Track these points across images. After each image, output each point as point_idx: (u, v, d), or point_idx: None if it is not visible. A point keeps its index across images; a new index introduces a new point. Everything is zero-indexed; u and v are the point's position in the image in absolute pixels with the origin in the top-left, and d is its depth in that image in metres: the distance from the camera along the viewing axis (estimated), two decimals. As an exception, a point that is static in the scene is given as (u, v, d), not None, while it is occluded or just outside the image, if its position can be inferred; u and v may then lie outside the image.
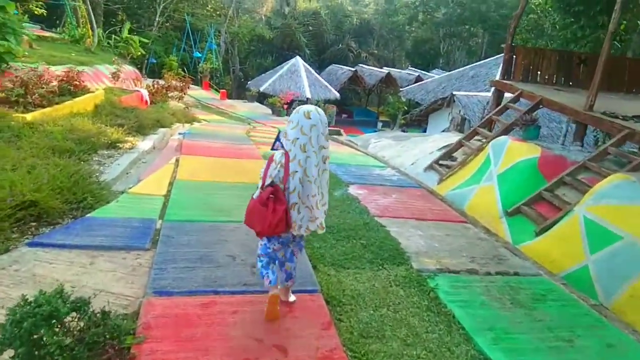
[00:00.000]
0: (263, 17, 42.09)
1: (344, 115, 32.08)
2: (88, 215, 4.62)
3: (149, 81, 16.02)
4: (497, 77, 24.92)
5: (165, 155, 7.65)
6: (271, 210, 2.88)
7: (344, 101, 31.69)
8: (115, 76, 12.05)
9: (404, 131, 24.74)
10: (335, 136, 14.95)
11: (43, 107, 8.29)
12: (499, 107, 8.60)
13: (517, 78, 9.31)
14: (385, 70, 33.29)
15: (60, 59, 12.30)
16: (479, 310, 3.81)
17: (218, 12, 34.17)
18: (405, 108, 15.31)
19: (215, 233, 4.52)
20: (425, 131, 25.61)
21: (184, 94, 15.78)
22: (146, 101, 13.20)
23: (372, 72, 32.66)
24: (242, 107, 23.44)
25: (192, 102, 23.01)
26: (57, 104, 8.65)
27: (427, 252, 4.79)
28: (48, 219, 4.46)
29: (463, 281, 4.26)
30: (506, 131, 8.00)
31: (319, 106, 18.09)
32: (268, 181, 2.97)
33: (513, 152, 7.02)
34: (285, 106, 21.96)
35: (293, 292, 3.55)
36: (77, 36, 17.69)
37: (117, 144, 7.50)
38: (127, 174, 6.49)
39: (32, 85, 8.22)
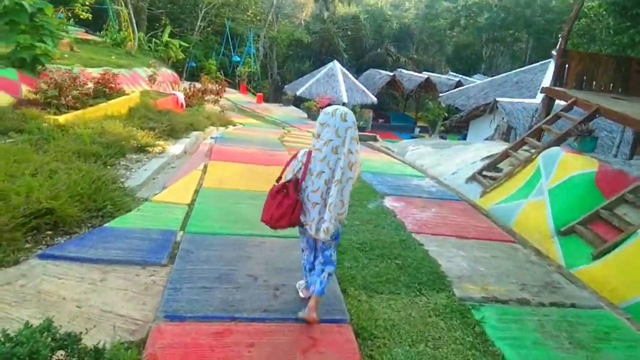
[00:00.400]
0: (302, 21, 42.05)
1: (380, 120, 31.49)
2: (106, 224, 4.36)
3: (187, 84, 16.00)
4: (547, 84, 24.09)
5: (194, 160, 7.41)
6: (277, 203, 2.99)
7: (381, 106, 31.13)
8: (151, 79, 12.03)
9: (443, 138, 24.01)
10: (370, 142, 14.50)
11: (76, 109, 8.23)
12: (550, 116, 7.94)
13: (569, 85, 8.62)
14: (425, 74, 32.51)
15: (98, 62, 12.38)
16: (533, 350, 3.29)
17: (258, 17, 34.30)
18: (445, 114, 14.67)
19: (237, 248, 4.17)
20: (465, 138, 24.77)
21: (220, 97, 15.68)
22: (182, 104, 13.13)
23: (410, 77, 31.95)
24: (277, 110, 23.29)
25: (228, 105, 23.02)
26: (91, 106, 8.59)
27: (471, 276, 4.28)
28: (65, 227, 4.22)
29: (513, 313, 3.74)
30: (558, 142, 7.35)
31: (354, 110, 17.80)
32: (289, 176, 3.07)
33: (567, 165, 6.38)
34: (319, 110, 21.62)
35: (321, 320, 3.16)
36: (118, 40, 17.92)
37: (147, 148, 7.31)
38: (154, 179, 6.26)
39: (66, 87, 8.16)
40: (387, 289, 3.89)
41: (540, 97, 23.09)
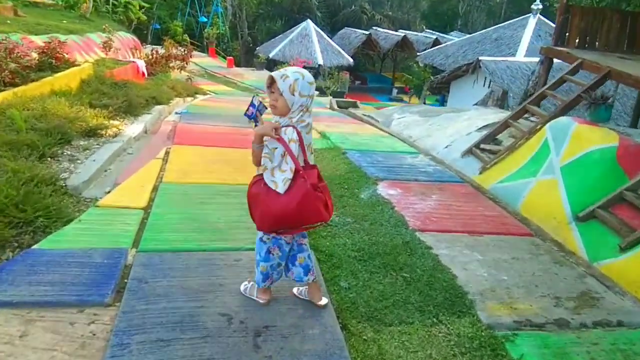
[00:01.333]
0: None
1: (357, 82, 30.36)
2: (35, 246, 3.38)
3: (150, 49, 14.55)
4: (527, 40, 23.18)
5: (155, 144, 6.35)
6: (324, 203, 2.51)
7: (357, 67, 29.94)
8: (106, 46, 10.66)
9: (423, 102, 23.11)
10: (351, 109, 13.52)
11: (16, 85, 7.00)
12: (555, 81, 7.09)
13: (572, 44, 7.75)
14: (401, 33, 31.23)
15: (46, 28, 10.91)
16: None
17: (225, -27, 32.13)
18: (432, 78, 13.72)
19: (206, 271, 3.26)
20: (443, 100, 23.93)
21: (187, 63, 14.34)
22: (143, 73, 11.84)
23: (387, 36, 30.67)
24: (250, 75, 21.95)
25: (197, 70, 21.54)
26: (33, 81, 7.35)
27: (495, 290, 3.50)
28: (-23, 254, 3.24)
29: (555, 344, 2.97)
30: (564, 110, 6.54)
31: (331, 73, 16.66)
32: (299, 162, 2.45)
33: (581, 138, 5.59)
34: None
35: None
36: (71, 1, 16.16)
37: (98, 131, 6.21)
38: (105, 172, 5.23)
39: (1, 60, 6.87)
40: (396, 317, 3.07)
41: (520, 54, 22.48)
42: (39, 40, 9.19)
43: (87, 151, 5.54)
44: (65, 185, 4.55)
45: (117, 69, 10.45)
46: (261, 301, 2.90)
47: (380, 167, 6.08)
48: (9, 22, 10.37)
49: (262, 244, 2.72)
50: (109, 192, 4.66)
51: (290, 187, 2.41)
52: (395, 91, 30.87)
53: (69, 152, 5.37)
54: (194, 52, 25.62)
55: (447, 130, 8.38)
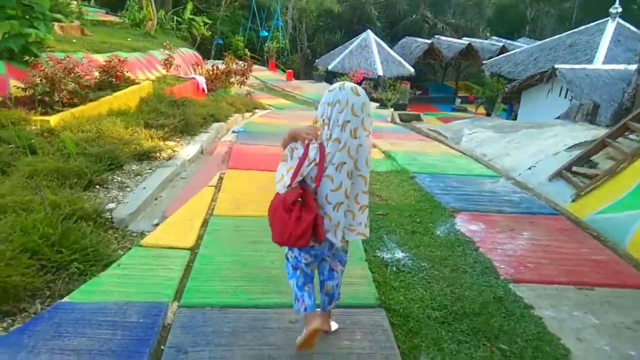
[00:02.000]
0: (331, -10, 39.61)
1: (418, 92, 29.28)
2: (66, 298, 2.94)
3: (216, 64, 14.48)
4: (605, 46, 21.33)
5: (209, 167, 5.93)
6: (295, 219, 2.21)
7: (419, 77, 28.82)
8: (167, 63, 10.58)
9: (488, 113, 21.74)
10: (414, 123, 12.71)
11: (74, 105, 6.88)
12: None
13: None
14: (465, 40, 29.92)
15: (110, 46, 10.99)
16: None
17: (286, -12, 32.27)
18: (507, 89, 12.63)
19: (256, 337, 2.68)
20: (511, 111, 22.48)
21: (247, 78, 14.13)
22: (203, 89, 11.70)
23: (450, 44, 29.49)
24: (309, 88, 21.63)
25: (257, 84, 21.53)
26: (92, 101, 7.22)
27: (626, 376, 2.67)
28: (4, 306, 2.84)
29: None
30: (680, 127, 5.48)
31: (390, 84, 15.78)
32: (298, 178, 2.25)
33: None
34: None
35: None
36: (137, 20, 16.52)
37: (152, 154, 5.89)
38: (156, 200, 4.83)
39: (59, 80, 6.76)
40: (498, 412, 2.33)
41: (599, 61, 20.63)
42: (102, 59, 9.17)
43: (139, 177, 5.19)
44: (111, 218, 4.16)
45: (177, 86, 10.33)
46: (303, 332, 2.42)
47: (456, 195, 5.30)
48: (74, 41, 10.53)
49: (286, 261, 2.60)
50: (157, 224, 4.23)
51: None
52: (458, 101, 29.52)
53: (119, 179, 5.03)
54: (255, 66, 25.77)
55: (529, 148, 7.42)
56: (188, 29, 19.10)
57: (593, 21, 25.65)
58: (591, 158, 6.22)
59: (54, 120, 6.17)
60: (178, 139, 7.11)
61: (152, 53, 11.81)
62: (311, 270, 2.53)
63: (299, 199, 2.24)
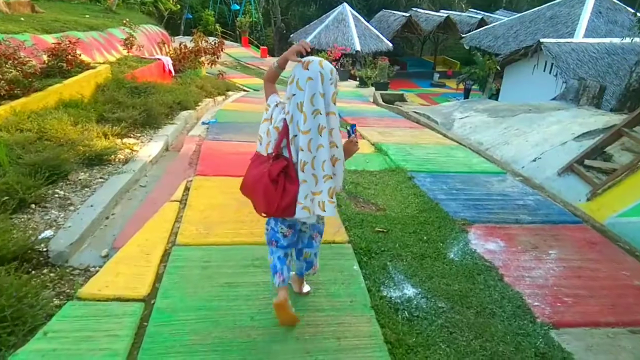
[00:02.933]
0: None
1: (396, 68, 28.38)
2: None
3: (182, 42, 13.24)
4: (586, 18, 20.70)
5: (174, 171, 5.02)
6: (281, 190, 2.25)
7: (396, 51, 27.86)
8: (128, 43, 9.41)
9: (467, 87, 20.96)
10: (398, 104, 11.89)
11: (15, 97, 5.82)
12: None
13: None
14: (444, 13, 28.98)
15: (63, 25, 9.74)
16: None
17: (257, -42, 30.51)
18: (498, 68, 11.87)
19: None
20: (482, 89, 21.87)
21: (218, 57, 12.99)
22: (170, 71, 10.58)
23: (428, 17, 28.51)
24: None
25: (230, 62, 20.30)
26: (36, 91, 6.15)
27: None
28: None
29: None
30: None
31: (370, 61, 14.93)
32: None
33: None
34: (334, 63, 18.78)
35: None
36: (96, -7, 15.07)
37: (105, 157, 4.93)
38: (107, 219, 3.94)
39: (-6, 69, 5.67)
40: None
41: (580, 33, 20.05)
42: (52, 40, 8.00)
43: (86, 190, 4.25)
44: (46, 251, 3.27)
45: (139, 69, 9.22)
46: (275, 299, 2.47)
47: (463, 201, 4.54)
48: (22, 19, 9.27)
49: (266, 233, 2.62)
50: (106, 256, 3.37)
51: (254, 160, 2.41)
52: (437, 76, 28.77)
53: (61, 193, 4.09)
54: (227, 42, 24.36)
55: (531, 136, 6.71)
56: (154, 3, 17.62)
57: (570, -8, 25.06)
58: (604, 149, 5.54)
59: (-13, 116, 5.14)
60: (139, 134, 6.15)
61: (111, 32, 10.58)
62: (288, 242, 2.54)
63: (282, 171, 2.26)
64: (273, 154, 2.28)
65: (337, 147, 2.27)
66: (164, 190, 4.37)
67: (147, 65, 9.66)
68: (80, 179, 4.41)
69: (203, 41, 12.60)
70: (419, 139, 6.97)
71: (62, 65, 7.20)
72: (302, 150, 2.20)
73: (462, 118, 8.52)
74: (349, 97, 13.39)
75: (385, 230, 3.84)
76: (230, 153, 5.39)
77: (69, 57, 7.34)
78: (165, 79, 10.18)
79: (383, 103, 11.89)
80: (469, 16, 29.47)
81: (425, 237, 3.77)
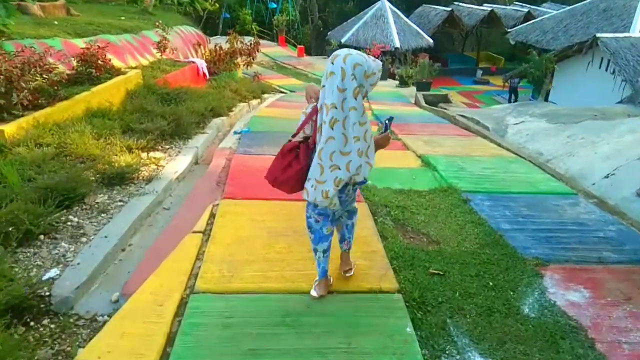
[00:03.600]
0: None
1: (436, 64, 27.28)
2: None
3: (220, 42, 12.87)
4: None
5: (201, 190, 4.53)
6: (285, 165, 2.48)
7: (436, 47, 26.69)
8: (161, 46, 9.06)
9: (513, 86, 19.74)
10: (443, 105, 11.10)
11: (40, 107, 5.49)
12: None
13: None
14: (487, 7, 27.64)
15: (97, 27, 9.51)
16: None
17: (295, -45, 30.01)
18: (556, 67, 10.85)
19: None
20: (538, 90, 20.56)
21: (254, 58, 12.54)
22: (204, 74, 10.22)
23: (471, 11, 27.28)
24: (321, 64, 19.87)
25: (266, 61, 19.91)
26: (62, 100, 5.81)
27: None
28: None
29: None
30: None
31: (404, 57, 14.18)
32: (298, 137, 2.52)
33: None
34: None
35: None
36: (134, -5, 14.93)
37: (128, 174, 4.49)
38: (123, 251, 3.48)
39: (17, 77, 5.33)
40: None
41: (637, 28, 18.46)
42: (83, 44, 7.71)
43: (103, 215, 3.81)
44: (49, 297, 2.82)
45: (172, 73, 8.86)
46: (314, 293, 2.77)
47: (532, 232, 3.84)
48: (56, 22, 9.06)
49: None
50: (116, 301, 2.90)
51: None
52: (480, 72, 27.47)
53: (75, 221, 3.66)
54: (263, 42, 24.00)
55: (600, 147, 5.87)
56: (191, 3, 17.39)
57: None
58: (698, 167, 4.68)
59: (9, 129, 4.81)
60: (167, 146, 5.71)
61: (145, 34, 10.29)
62: (326, 231, 2.65)
63: (297, 150, 2.45)
64: (295, 134, 2.49)
65: (359, 139, 2.29)
66: (187, 216, 3.88)
67: (181, 69, 9.30)
68: (97, 203, 3.98)
69: (238, 42, 12.17)
70: (470, 149, 6.24)
71: (91, 72, 6.88)
72: (335, 138, 2.28)
73: (516, 124, 7.70)
74: (389, 98, 12.69)
75: (441, 273, 3.20)
76: (261, 170, 4.82)
77: (99, 62, 7.00)
78: (199, 83, 9.81)
79: (426, 105, 11.13)
80: (514, 9, 28.00)
81: (491, 283, 3.11)
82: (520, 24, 25.27)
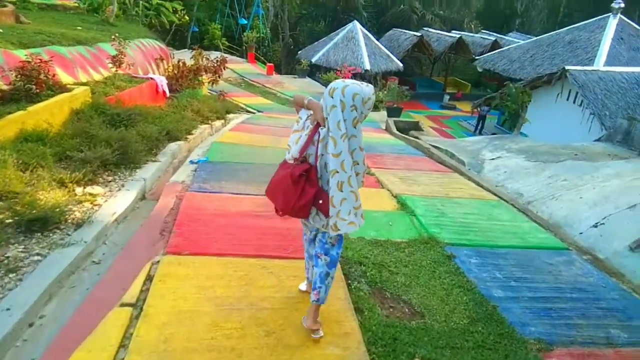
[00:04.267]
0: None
1: (404, 88, 27.31)
2: None
3: (186, 56, 12.07)
4: (607, 43, 19.49)
5: (143, 238, 3.79)
6: (300, 191, 2.39)
7: (405, 71, 26.71)
8: (117, 61, 8.25)
9: (483, 115, 19.79)
10: (414, 134, 10.70)
11: (-40, 130, 4.66)
12: None
13: None
14: (456, 34, 27.95)
15: (46, 37, 8.60)
16: None
17: (268, -28, 29.63)
18: (530, 99, 10.65)
19: None
20: (513, 123, 20.69)
21: (219, 76, 11.85)
22: (164, 92, 9.44)
23: (440, 37, 27.49)
24: (291, 84, 19.35)
25: (234, 78, 19.20)
26: (-10, 121, 4.98)
27: None
28: None
29: None
30: None
31: (374, 80, 14.01)
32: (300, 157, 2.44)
33: None
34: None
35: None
36: (95, 4, 14.01)
37: (52, 218, 3.71)
38: (29, 330, 2.71)
39: None
40: None
41: (601, 60, 18.85)
42: (27, 56, 6.86)
43: (11, 276, 3.02)
44: None
45: (127, 91, 8.07)
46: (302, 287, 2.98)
47: (528, 302, 3.30)
48: (1, 30, 8.14)
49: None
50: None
51: (281, 166, 2.54)
52: (447, 97, 27.62)
53: (-27, 285, 2.87)
54: (232, 58, 23.31)
55: (586, 192, 5.48)
56: (157, 16, 16.56)
57: (584, 17, 23.99)
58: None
59: None
60: (109, 178, 4.94)
61: (101, 47, 9.43)
62: (308, 247, 2.78)
63: (304, 173, 2.38)
64: (298, 158, 2.42)
65: (358, 164, 2.39)
66: (119, 278, 3.14)
67: (137, 85, 8.51)
68: (7, 257, 3.19)
69: (204, 58, 11.47)
70: (449, 188, 5.74)
71: (31, 88, 6.04)
72: (338, 172, 2.29)
73: (493, 159, 7.31)
74: (359, 123, 12.20)
75: (428, 361, 2.60)
76: (217, 214, 4.15)
77: (41, 77, 6.18)
78: (157, 101, 9.04)
79: (398, 133, 10.69)
80: (481, 37, 28.42)
81: (488, 378, 2.53)
82: (487, 51, 25.59)
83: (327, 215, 2.36)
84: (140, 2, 16.19)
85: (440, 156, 7.60)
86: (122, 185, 4.83)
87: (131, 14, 15.95)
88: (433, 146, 8.76)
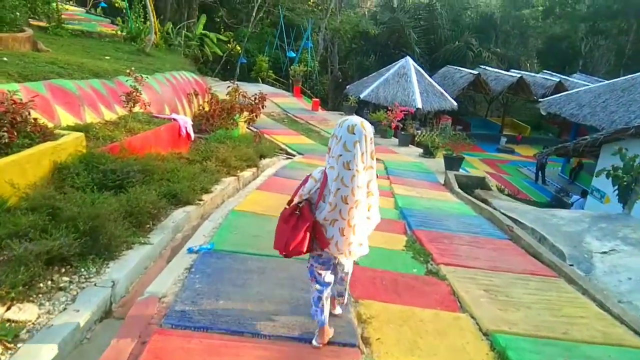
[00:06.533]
0: (366, 11, 35.99)
1: (458, 127, 25.19)
2: None
3: (230, 88, 10.62)
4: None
5: None
6: (291, 227, 2.51)
7: (459, 110, 24.66)
8: (129, 99, 6.76)
9: (542, 164, 17.55)
10: (479, 194, 8.72)
11: None
12: None
13: None
14: (515, 73, 25.76)
15: (58, 67, 7.39)
16: None
17: (319, 7, 28.69)
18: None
19: None
20: (579, 170, 18.19)
21: (256, 116, 10.36)
22: (188, 135, 7.96)
23: (498, 76, 25.37)
24: (337, 122, 17.75)
25: (277, 113, 17.83)
26: None
27: None
28: None
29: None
30: None
31: (427, 119, 12.00)
32: (297, 200, 2.61)
33: None
34: (394, 126, 15.85)
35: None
36: (133, 32, 13.05)
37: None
38: None
39: None
40: None
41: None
42: (21, 91, 5.51)
43: None
44: None
45: (140, 135, 6.62)
46: (316, 343, 2.79)
47: None
48: (5, 59, 6.96)
49: (308, 270, 2.85)
50: None
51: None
52: (503, 140, 25.35)
53: None
54: (277, 91, 22.13)
55: None
56: (200, 46, 15.53)
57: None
58: None
59: None
60: (65, 280, 3.32)
61: (120, 80, 8.12)
62: (325, 280, 2.73)
63: (297, 212, 2.53)
64: (291, 199, 2.61)
65: (373, 195, 2.60)
66: None
67: (155, 128, 7.06)
68: None
69: (240, 96, 10.03)
70: (565, 317, 3.72)
71: (2, 135, 4.62)
72: (358, 199, 2.47)
73: (604, 252, 5.23)
74: (412, 174, 10.25)
75: None
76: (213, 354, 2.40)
77: (16, 121, 4.77)
78: (179, 146, 7.55)
79: (460, 191, 8.73)
80: (544, 78, 26.03)
81: None
82: (551, 93, 23.22)
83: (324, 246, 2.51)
84: (183, 31, 15.21)
85: (528, 241, 5.58)
86: (75, 296, 3.18)
87: (173, 44, 14.97)
88: (511, 218, 6.75)
